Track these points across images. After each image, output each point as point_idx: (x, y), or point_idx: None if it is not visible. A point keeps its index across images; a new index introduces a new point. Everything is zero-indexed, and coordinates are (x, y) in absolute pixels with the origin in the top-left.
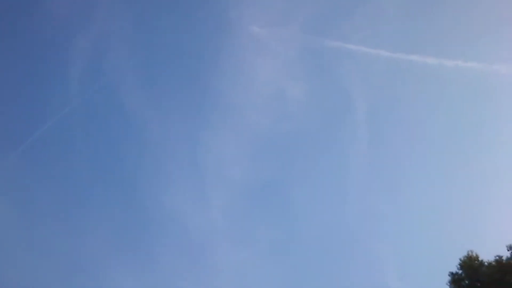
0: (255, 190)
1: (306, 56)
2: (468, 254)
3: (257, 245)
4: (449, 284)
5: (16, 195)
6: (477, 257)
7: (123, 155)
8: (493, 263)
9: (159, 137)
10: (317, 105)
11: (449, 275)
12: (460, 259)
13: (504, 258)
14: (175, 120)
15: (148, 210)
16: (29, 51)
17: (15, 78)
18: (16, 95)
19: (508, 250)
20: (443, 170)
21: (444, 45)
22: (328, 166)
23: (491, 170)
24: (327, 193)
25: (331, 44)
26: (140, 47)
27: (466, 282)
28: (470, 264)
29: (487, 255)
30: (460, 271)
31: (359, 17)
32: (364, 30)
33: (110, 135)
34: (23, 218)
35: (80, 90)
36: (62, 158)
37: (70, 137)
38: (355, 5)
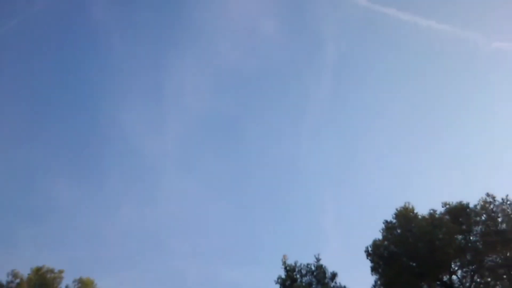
0: (213, 122)
1: None
2: (404, 205)
3: (206, 176)
4: (382, 231)
5: None
6: (412, 209)
7: (85, 66)
8: (427, 216)
9: (123, 53)
10: (288, 45)
11: (383, 222)
12: (397, 209)
13: (437, 212)
14: (142, 37)
15: (102, 126)
16: None
17: None
18: None
19: (442, 207)
20: (399, 126)
21: (421, 3)
22: (288, 108)
23: (443, 131)
24: (283, 134)
25: None
26: None
27: (398, 231)
28: (405, 214)
29: (423, 211)
30: (394, 220)
31: None
32: None
33: (74, 43)
34: None
35: None
36: (21, 60)
37: (32, 40)
38: None
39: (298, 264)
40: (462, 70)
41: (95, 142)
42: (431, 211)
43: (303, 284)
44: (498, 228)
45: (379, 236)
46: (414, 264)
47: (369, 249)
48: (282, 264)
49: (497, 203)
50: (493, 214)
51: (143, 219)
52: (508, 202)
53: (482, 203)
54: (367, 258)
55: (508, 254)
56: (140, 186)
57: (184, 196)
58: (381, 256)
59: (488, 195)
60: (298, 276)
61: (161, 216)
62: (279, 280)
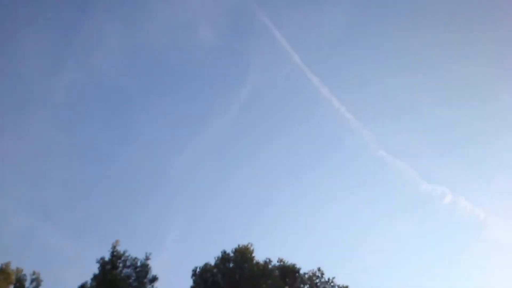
0: (110, 89)
1: (235, 15)
2: (247, 245)
3: (79, 136)
4: (216, 258)
5: None
6: (252, 251)
7: None
8: (261, 263)
9: None
10: (215, 60)
11: (221, 252)
12: (238, 245)
13: (272, 264)
14: None
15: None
16: None
17: None
18: None
19: (277, 262)
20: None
21: (343, 86)
22: (188, 114)
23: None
24: (170, 132)
25: (262, 18)
26: None
27: (231, 265)
28: (243, 252)
29: (261, 257)
30: (232, 254)
31: (305, 16)
32: (299, 29)
33: None
34: None
35: None
36: None
37: None
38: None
39: (126, 254)
40: (347, 159)
41: None
42: (267, 260)
43: (122, 274)
44: None
45: (212, 261)
46: None
47: (197, 270)
48: (111, 248)
49: (323, 279)
50: None
51: None
52: (331, 284)
53: (311, 274)
54: (191, 277)
55: None
56: (10, 117)
57: (47, 144)
58: (205, 280)
59: (319, 269)
60: (121, 265)
61: (13, 154)
62: (101, 260)
